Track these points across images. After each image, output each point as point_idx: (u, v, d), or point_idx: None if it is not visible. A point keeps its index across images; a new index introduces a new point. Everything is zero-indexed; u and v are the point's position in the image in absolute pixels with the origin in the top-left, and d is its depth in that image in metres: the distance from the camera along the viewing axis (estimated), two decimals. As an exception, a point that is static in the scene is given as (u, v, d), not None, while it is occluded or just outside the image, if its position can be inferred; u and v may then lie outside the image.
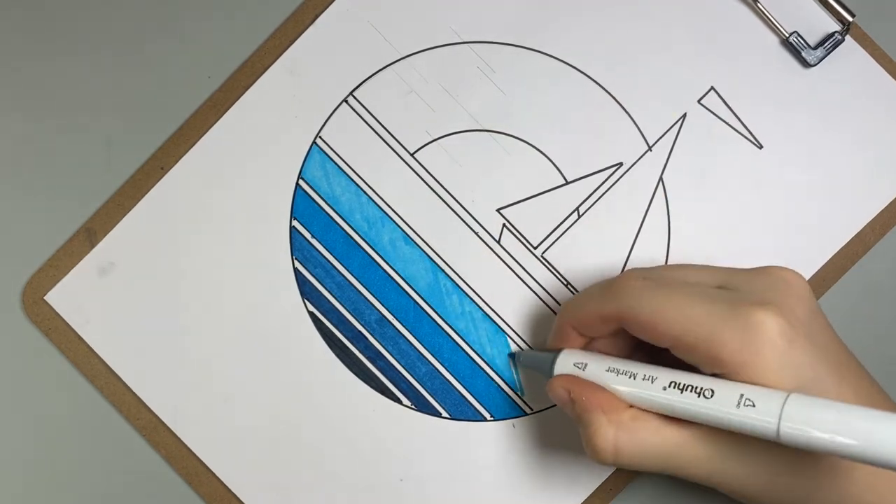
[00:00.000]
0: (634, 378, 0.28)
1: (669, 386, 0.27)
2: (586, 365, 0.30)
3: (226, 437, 0.36)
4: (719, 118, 0.37)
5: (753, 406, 0.25)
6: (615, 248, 0.36)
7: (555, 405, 0.36)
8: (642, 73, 0.37)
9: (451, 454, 0.36)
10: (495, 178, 0.37)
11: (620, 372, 0.29)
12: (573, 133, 0.37)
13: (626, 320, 0.29)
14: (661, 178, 0.36)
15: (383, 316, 0.36)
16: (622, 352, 0.31)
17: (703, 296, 0.28)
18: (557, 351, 0.32)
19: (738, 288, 0.28)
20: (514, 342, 0.36)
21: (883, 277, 0.37)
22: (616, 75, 0.37)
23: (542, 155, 0.37)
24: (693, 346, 0.27)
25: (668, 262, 0.36)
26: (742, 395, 0.25)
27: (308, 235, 0.36)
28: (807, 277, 0.36)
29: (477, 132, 0.37)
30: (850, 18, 0.36)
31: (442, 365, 0.36)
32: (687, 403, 0.27)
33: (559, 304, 0.36)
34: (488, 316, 0.36)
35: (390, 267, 0.36)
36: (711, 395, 0.26)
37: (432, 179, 0.37)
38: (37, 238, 0.36)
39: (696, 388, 0.26)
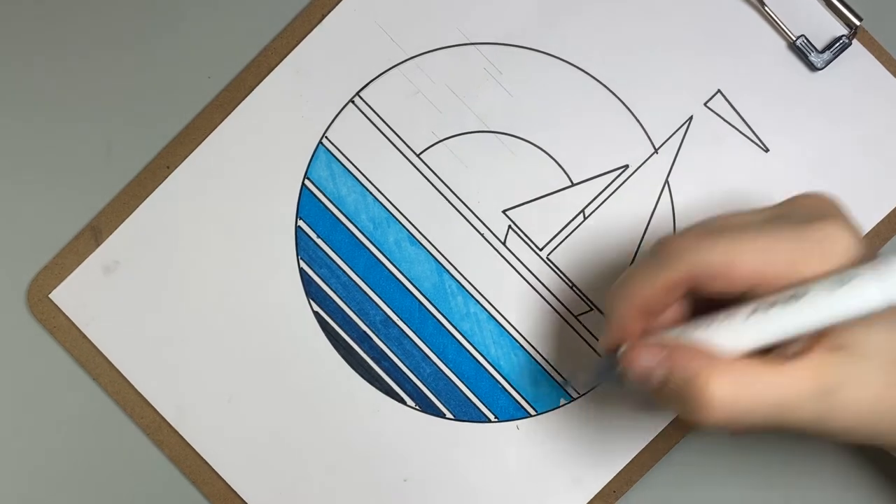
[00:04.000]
0: (711, 325, 0.27)
1: (752, 313, 0.26)
2: None
3: (229, 437, 0.36)
4: (725, 121, 0.37)
5: (854, 278, 0.24)
6: (620, 250, 0.36)
7: (558, 407, 0.36)
8: (649, 75, 0.37)
9: (454, 455, 0.36)
10: (501, 179, 0.37)
11: (696, 327, 0.27)
12: (579, 135, 0.37)
13: (697, 277, 0.27)
14: (666, 181, 0.36)
15: (388, 316, 0.36)
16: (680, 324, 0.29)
17: (768, 228, 0.27)
18: (616, 349, 0.29)
19: (790, 215, 0.28)
20: (520, 345, 0.36)
21: (888, 281, 0.37)
22: (623, 78, 0.37)
23: (547, 157, 0.37)
24: (775, 277, 0.26)
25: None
26: (836, 277, 0.24)
27: (314, 235, 0.36)
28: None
29: (483, 133, 0.37)
30: (857, 22, 0.36)
31: (446, 366, 0.36)
32: (780, 316, 0.25)
33: (564, 306, 0.36)
34: (493, 317, 0.36)
35: (395, 267, 0.36)
36: (804, 294, 0.25)
37: (438, 180, 0.37)
38: (42, 236, 0.36)
39: (784, 298, 0.25)
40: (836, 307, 0.25)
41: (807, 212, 0.27)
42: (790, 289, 0.26)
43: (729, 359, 0.27)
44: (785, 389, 0.26)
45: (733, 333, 0.27)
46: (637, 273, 0.28)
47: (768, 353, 0.27)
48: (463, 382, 0.36)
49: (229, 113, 0.36)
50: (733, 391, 0.26)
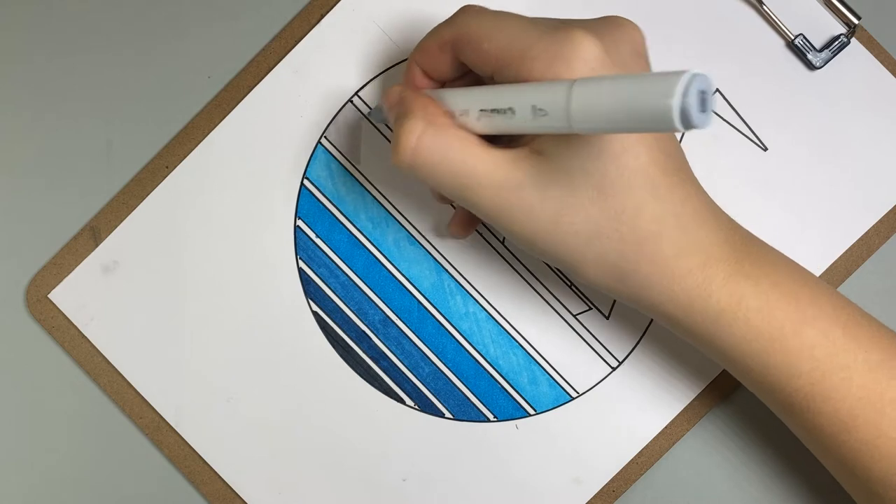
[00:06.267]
0: (459, 88, 0.29)
1: (484, 112, 0.27)
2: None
3: (228, 437, 0.36)
4: (724, 120, 0.37)
5: (546, 114, 0.24)
6: (619, 249, 0.36)
7: (559, 405, 0.36)
8: (647, 74, 0.37)
9: (453, 455, 0.36)
10: (500, 178, 0.36)
11: (450, 89, 0.30)
12: (578, 134, 0.37)
13: (458, 41, 0.29)
14: (665, 180, 0.36)
15: (387, 316, 0.36)
16: None
17: (532, 20, 0.28)
18: None
19: (569, 22, 0.28)
20: (519, 344, 0.36)
21: (888, 280, 0.37)
22: (621, 77, 0.37)
23: (546, 156, 0.37)
24: (510, 62, 0.27)
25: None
26: (534, 107, 0.25)
27: (312, 235, 0.36)
28: (811, 280, 0.36)
29: (482, 133, 0.37)
30: (855, 21, 0.36)
31: (445, 365, 0.36)
32: (493, 120, 0.27)
33: (563, 306, 0.36)
34: (492, 317, 0.36)
35: (394, 267, 0.36)
36: (513, 114, 0.26)
37: (437, 180, 0.36)
38: (41, 236, 0.36)
39: (500, 109, 0.26)
40: (537, 130, 0.26)
41: (585, 23, 0.28)
42: (520, 84, 0.26)
43: (447, 118, 0.28)
44: (471, 164, 0.27)
45: (457, 95, 0.28)
46: (429, 31, 0.30)
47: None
48: (462, 382, 0.36)
49: (228, 113, 0.36)
50: (418, 138, 0.27)
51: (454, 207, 0.36)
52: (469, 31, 0.28)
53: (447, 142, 0.27)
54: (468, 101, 0.28)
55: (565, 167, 0.27)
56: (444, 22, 0.30)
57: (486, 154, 0.27)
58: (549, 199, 0.27)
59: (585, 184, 0.27)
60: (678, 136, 0.37)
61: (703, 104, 0.21)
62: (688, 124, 0.20)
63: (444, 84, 0.32)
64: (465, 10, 0.29)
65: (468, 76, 0.31)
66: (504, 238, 0.36)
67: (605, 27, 0.28)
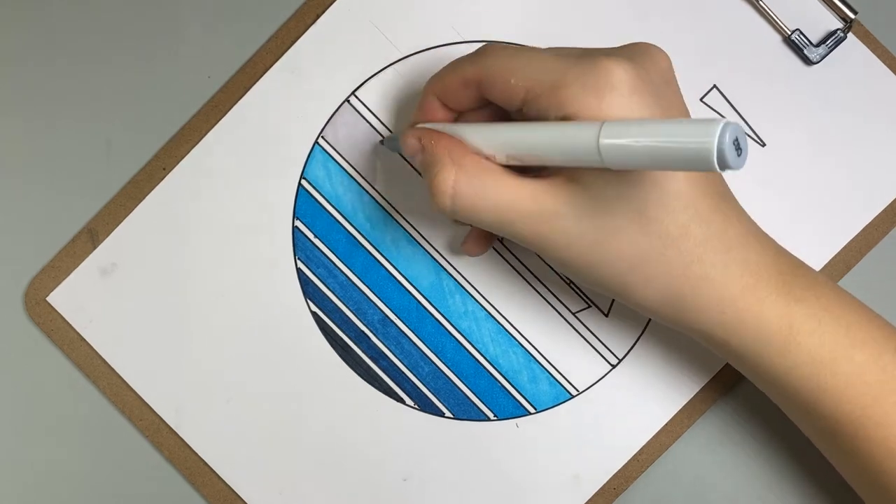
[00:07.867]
0: (481, 125, 0.29)
1: (505, 129, 0.28)
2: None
3: (228, 438, 0.36)
4: (722, 116, 0.37)
5: (579, 147, 0.25)
6: (618, 246, 0.36)
7: (559, 404, 0.36)
8: (644, 71, 0.37)
9: (454, 454, 0.36)
10: (498, 177, 0.36)
11: (466, 126, 0.30)
12: (575, 132, 0.36)
13: (483, 79, 0.29)
14: (663, 177, 0.36)
15: (386, 316, 0.36)
16: None
17: (557, 51, 0.28)
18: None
19: (592, 51, 0.28)
20: (518, 343, 0.36)
21: (887, 275, 0.37)
22: (618, 74, 0.37)
23: (544, 154, 0.36)
24: (540, 94, 0.27)
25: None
26: (571, 133, 0.25)
27: (311, 235, 0.36)
28: (810, 275, 0.36)
29: (479, 131, 0.37)
30: (852, 16, 0.36)
31: (445, 365, 0.36)
32: (525, 133, 0.27)
33: (562, 304, 0.36)
34: (491, 315, 0.36)
35: (393, 267, 0.36)
36: (545, 154, 0.26)
37: (435, 179, 0.36)
38: (39, 239, 0.36)
39: (534, 136, 0.27)
40: (565, 161, 0.26)
41: (612, 51, 0.28)
42: (547, 125, 0.27)
43: (475, 157, 0.28)
44: (508, 199, 0.28)
45: (481, 137, 0.29)
46: (450, 64, 0.31)
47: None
48: (462, 381, 0.36)
49: (225, 114, 0.36)
50: (454, 185, 0.28)
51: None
52: (495, 70, 0.28)
53: (482, 182, 0.28)
54: (493, 144, 0.28)
55: (603, 194, 0.27)
56: (466, 59, 0.30)
57: (521, 187, 0.28)
58: (590, 226, 0.27)
59: (626, 210, 0.27)
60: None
61: (738, 150, 0.22)
62: (724, 165, 0.21)
63: (461, 114, 0.32)
64: (489, 50, 0.29)
65: (487, 107, 0.31)
66: (503, 237, 0.36)
67: (633, 54, 0.27)
